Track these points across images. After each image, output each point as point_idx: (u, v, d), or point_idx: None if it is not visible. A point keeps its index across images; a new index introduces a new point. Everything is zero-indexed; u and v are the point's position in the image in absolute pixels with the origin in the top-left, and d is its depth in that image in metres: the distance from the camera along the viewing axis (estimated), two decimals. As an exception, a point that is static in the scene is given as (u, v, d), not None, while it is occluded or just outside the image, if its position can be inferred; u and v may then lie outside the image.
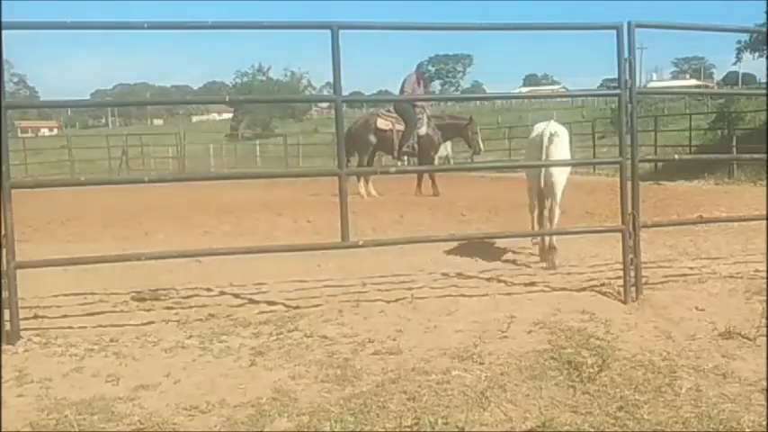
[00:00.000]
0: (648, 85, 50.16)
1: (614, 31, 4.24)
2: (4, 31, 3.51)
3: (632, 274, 4.29)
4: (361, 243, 4.57)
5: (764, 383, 2.90)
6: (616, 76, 4.32)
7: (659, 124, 21.13)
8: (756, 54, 26.90)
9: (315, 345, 3.51)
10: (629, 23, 4.22)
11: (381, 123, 12.15)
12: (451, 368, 3.12)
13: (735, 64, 41.80)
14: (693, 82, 73.56)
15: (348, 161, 12.61)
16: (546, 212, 5.73)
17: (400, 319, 3.93)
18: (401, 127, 12.02)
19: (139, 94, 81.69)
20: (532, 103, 47.91)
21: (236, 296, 4.62)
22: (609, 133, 23.87)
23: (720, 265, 5.19)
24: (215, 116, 76.01)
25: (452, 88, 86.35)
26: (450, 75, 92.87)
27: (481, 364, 3.18)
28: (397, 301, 4.32)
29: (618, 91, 4.33)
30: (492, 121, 37.84)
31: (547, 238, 5.50)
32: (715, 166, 14.90)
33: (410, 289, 4.63)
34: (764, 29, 17.25)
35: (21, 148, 25.70)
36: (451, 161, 18.35)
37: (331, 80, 4.11)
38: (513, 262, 5.62)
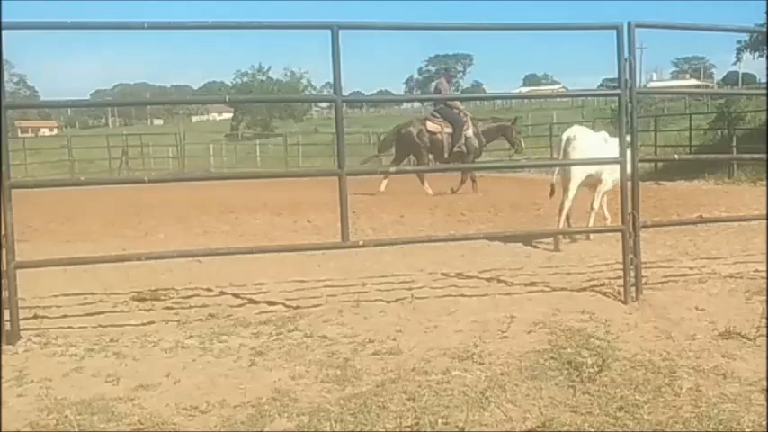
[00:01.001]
0: (648, 85, 50.08)
1: (614, 31, 4.23)
2: (4, 31, 3.51)
3: (632, 274, 4.29)
4: (361, 243, 4.57)
5: (764, 383, 2.90)
6: (616, 76, 4.32)
7: (659, 124, 21.13)
8: (756, 54, 26.82)
9: (315, 345, 3.51)
10: (629, 23, 4.22)
11: (431, 126, 12.65)
12: (451, 368, 3.12)
13: (735, 64, 41.74)
14: (693, 82, 73.57)
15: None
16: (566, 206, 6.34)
17: (400, 319, 3.93)
18: (449, 130, 12.52)
19: (139, 94, 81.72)
20: (532, 103, 47.88)
21: (236, 296, 4.62)
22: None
23: (720, 265, 5.19)
24: (215, 116, 76.03)
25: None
26: (450, 75, 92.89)
27: (481, 364, 3.18)
28: (397, 301, 4.32)
29: (618, 91, 4.33)
30: (492, 121, 37.83)
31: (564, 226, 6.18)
32: (715, 166, 14.89)
33: (410, 289, 4.63)
34: (764, 29, 17.19)
35: (21, 148, 25.69)
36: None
37: (331, 80, 4.11)
38: (513, 262, 5.62)
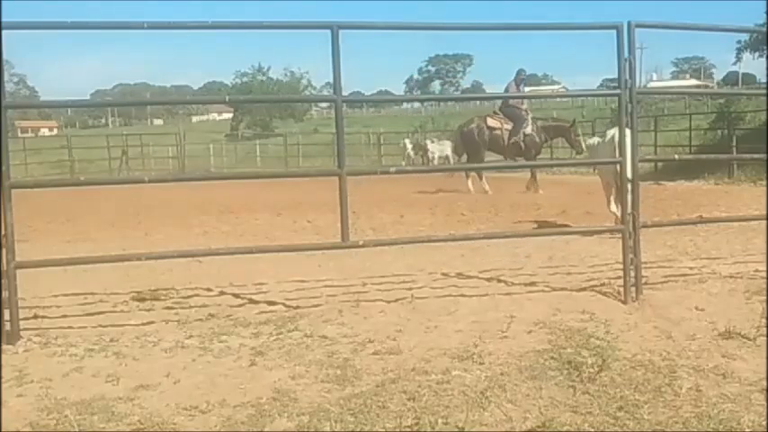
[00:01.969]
0: (648, 85, 50.10)
1: (614, 31, 4.23)
2: (4, 31, 3.51)
3: (632, 274, 4.29)
4: (361, 243, 4.57)
5: (764, 383, 2.90)
6: (616, 76, 4.32)
7: (659, 124, 21.14)
8: (756, 54, 26.78)
9: (315, 345, 3.51)
10: (629, 23, 4.22)
11: (491, 122, 13.29)
12: (451, 368, 3.12)
13: (735, 64, 41.67)
14: (693, 82, 73.50)
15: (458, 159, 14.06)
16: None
17: (400, 319, 3.93)
18: (509, 126, 13.14)
19: (139, 94, 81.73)
20: (532, 103, 47.79)
21: (236, 296, 4.62)
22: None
23: (720, 265, 5.19)
24: (215, 116, 76.01)
25: (452, 88, 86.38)
26: (450, 75, 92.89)
27: (481, 364, 3.18)
28: (397, 301, 4.32)
29: (618, 91, 4.33)
30: (492, 121, 37.82)
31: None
32: (715, 166, 14.90)
33: (410, 289, 4.63)
34: (764, 29, 17.19)
35: (21, 148, 25.73)
36: (451, 161, 18.42)
37: (331, 80, 4.11)
38: (513, 262, 5.62)
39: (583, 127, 26.33)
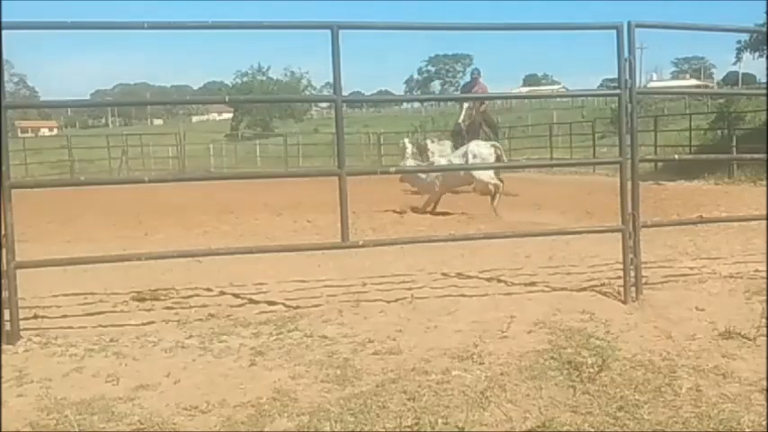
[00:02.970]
0: (648, 85, 50.07)
1: (614, 31, 4.23)
2: (4, 31, 3.51)
3: (632, 274, 4.29)
4: (361, 243, 4.57)
5: (764, 383, 2.90)
6: (616, 76, 4.32)
7: (659, 124, 21.12)
8: (756, 54, 26.75)
9: (315, 345, 3.51)
10: (629, 23, 4.22)
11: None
12: (451, 368, 3.12)
13: (735, 64, 41.65)
14: (693, 82, 73.52)
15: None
16: None
17: (400, 319, 3.93)
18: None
19: (139, 94, 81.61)
20: (532, 103, 47.89)
21: (236, 296, 4.62)
22: (609, 133, 23.87)
23: (720, 265, 5.19)
24: (215, 116, 76.04)
25: (452, 88, 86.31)
26: (450, 75, 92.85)
27: (481, 364, 3.18)
28: (397, 301, 4.32)
29: (618, 91, 4.33)
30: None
31: None
32: (715, 166, 14.89)
33: (410, 289, 4.63)
34: (764, 29, 17.17)
35: (21, 148, 25.73)
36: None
37: (331, 80, 4.11)
38: (513, 262, 5.61)
39: (582, 127, 26.48)
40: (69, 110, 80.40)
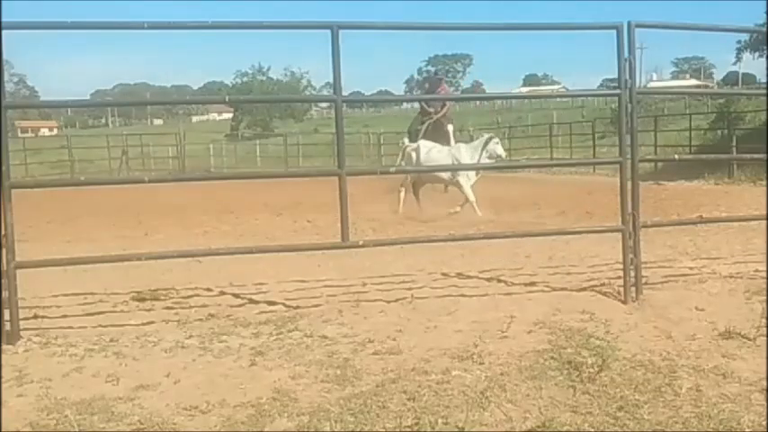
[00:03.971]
0: (648, 85, 50.08)
1: (614, 31, 4.23)
2: (4, 31, 3.51)
3: (632, 274, 4.29)
4: (361, 243, 4.57)
5: (764, 383, 2.90)
6: (616, 76, 4.32)
7: (659, 124, 21.15)
8: (756, 54, 26.74)
9: (315, 345, 3.51)
10: (629, 23, 4.22)
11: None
12: (451, 368, 3.12)
13: (735, 64, 41.61)
14: (693, 82, 73.49)
15: None
16: None
17: (400, 319, 3.93)
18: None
19: (139, 94, 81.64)
20: (532, 103, 47.92)
21: (236, 296, 4.62)
22: (609, 133, 23.89)
23: (720, 265, 5.19)
24: (215, 116, 76.04)
25: (452, 88, 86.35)
26: (450, 75, 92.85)
27: (481, 364, 3.18)
28: (397, 301, 4.32)
29: (618, 91, 4.33)
30: (492, 121, 37.88)
31: None
32: (715, 166, 14.90)
33: (410, 289, 4.63)
34: (764, 29, 17.17)
35: (21, 148, 25.77)
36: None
37: (331, 80, 4.11)
38: (513, 262, 5.62)
39: (582, 127, 26.49)
40: (69, 110, 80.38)
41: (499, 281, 4.86)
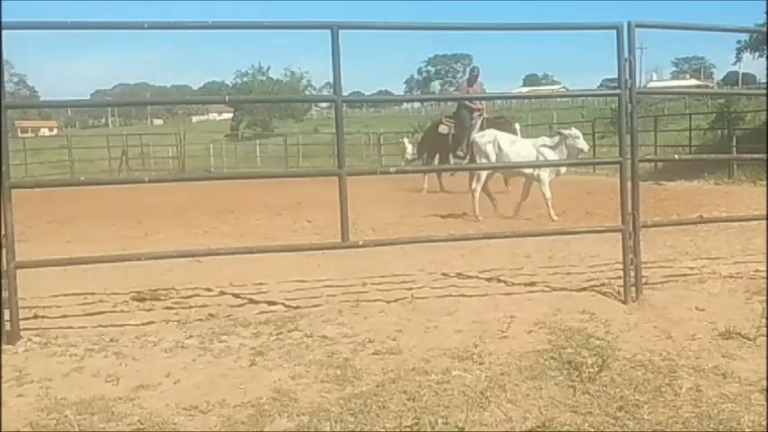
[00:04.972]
0: (648, 85, 50.07)
1: (614, 31, 4.23)
2: (4, 31, 3.51)
3: (632, 274, 4.29)
4: (361, 243, 4.57)
5: (764, 383, 2.90)
6: (616, 76, 4.32)
7: (659, 124, 21.12)
8: (756, 54, 26.73)
9: (315, 345, 3.51)
10: (629, 23, 4.22)
11: (441, 129, 13.19)
12: (451, 368, 3.12)
13: (735, 64, 41.60)
14: (693, 82, 73.50)
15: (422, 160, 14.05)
16: None
17: (400, 319, 3.93)
18: (456, 132, 12.77)
19: (139, 94, 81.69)
20: (532, 103, 47.89)
21: (236, 296, 4.62)
22: (609, 133, 23.87)
23: (720, 265, 5.19)
24: (215, 116, 76.05)
25: (452, 88, 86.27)
26: (450, 75, 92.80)
27: (481, 364, 3.18)
28: (397, 301, 4.32)
29: (618, 91, 4.33)
30: (492, 120, 37.77)
31: None
32: (715, 166, 14.88)
33: (410, 289, 4.63)
34: (764, 29, 17.17)
35: (21, 148, 25.72)
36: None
37: (331, 80, 4.11)
38: (513, 262, 5.62)
39: (582, 127, 26.45)
40: (69, 110, 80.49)
41: (499, 281, 4.86)
